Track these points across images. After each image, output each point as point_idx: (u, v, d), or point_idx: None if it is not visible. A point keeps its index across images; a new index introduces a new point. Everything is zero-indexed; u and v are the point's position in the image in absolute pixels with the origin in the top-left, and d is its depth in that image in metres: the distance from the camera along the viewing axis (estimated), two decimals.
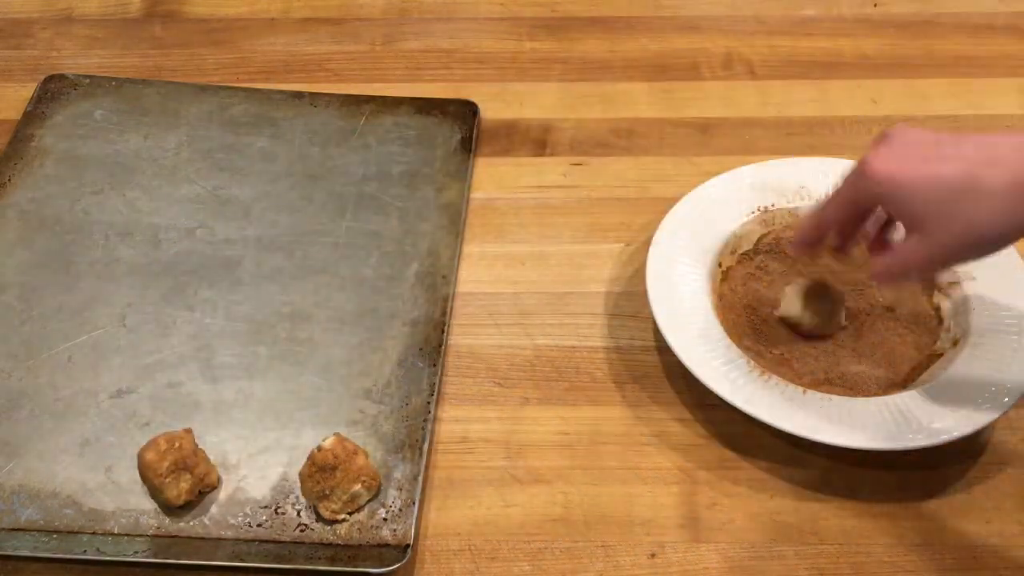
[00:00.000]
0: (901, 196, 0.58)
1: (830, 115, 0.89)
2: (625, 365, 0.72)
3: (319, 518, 0.63)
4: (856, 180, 0.60)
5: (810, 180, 0.78)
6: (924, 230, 0.58)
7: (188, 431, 0.64)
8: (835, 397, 0.66)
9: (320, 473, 0.62)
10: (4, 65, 0.95)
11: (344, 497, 0.62)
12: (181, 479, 0.63)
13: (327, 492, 0.62)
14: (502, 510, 0.65)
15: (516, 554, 0.63)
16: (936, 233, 0.57)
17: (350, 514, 0.63)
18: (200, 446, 0.65)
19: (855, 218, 0.64)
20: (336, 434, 0.63)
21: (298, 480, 0.64)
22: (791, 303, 0.71)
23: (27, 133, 0.86)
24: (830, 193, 0.63)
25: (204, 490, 0.64)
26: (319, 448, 0.62)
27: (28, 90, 0.90)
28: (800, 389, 0.66)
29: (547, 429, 0.69)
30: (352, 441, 0.64)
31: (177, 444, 0.63)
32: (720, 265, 0.74)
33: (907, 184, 0.58)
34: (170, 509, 0.64)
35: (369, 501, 0.64)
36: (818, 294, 0.71)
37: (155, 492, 0.63)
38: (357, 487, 0.63)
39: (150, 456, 0.62)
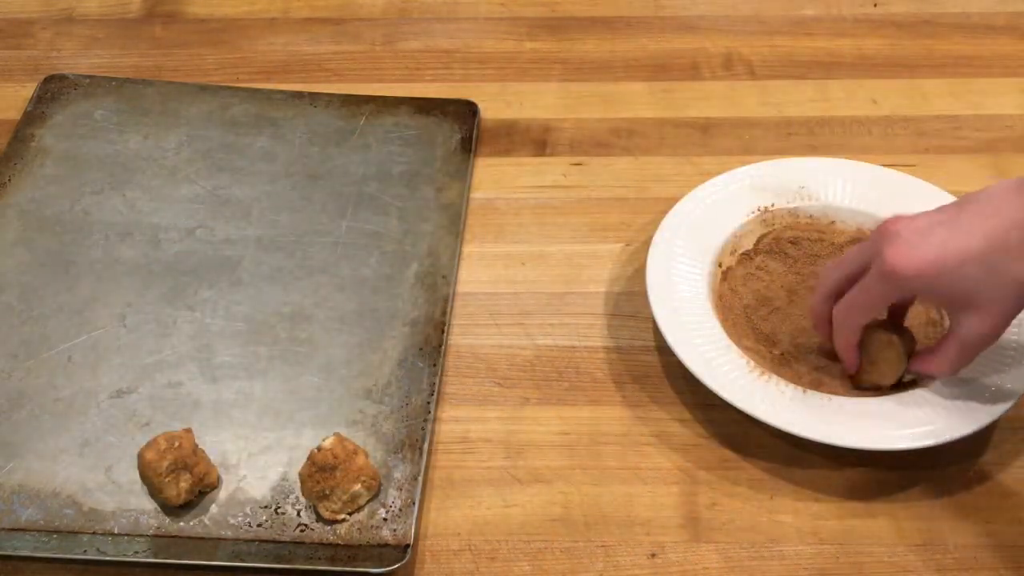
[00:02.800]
0: (943, 283, 0.58)
1: (830, 115, 0.89)
2: (625, 365, 0.72)
3: (319, 518, 0.63)
4: (884, 283, 0.60)
5: (810, 181, 0.78)
6: (978, 306, 0.59)
7: (188, 431, 0.64)
8: (835, 397, 0.66)
9: (320, 473, 0.62)
10: (4, 65, 0.95)
11: (344, 497, 0.62)
12: (181, 478, 0.63)
13: (327, 492, 0.62)
14: (502, 510, 0.65)
15: (516, 554, 0.63)
16: (995, 303, 0.58)
17: (350, 514, 0.63)
18: (200, 446, 0.65)
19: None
20: (336, 434, 0.63)
21: (298, 480, 0.64)
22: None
23: (27, 133, 0.86)
24: (850, 298, 0.63)
25: (204, 490, 0.64)
26: (319, 448, 0.62)
27: (28, 90, 0.90)
28: (800, 389, 0.66)
29: (547, 429, 0.69)
30: (352, 441, 0.64)
31: (177, 444, 0.63)
32: (720, 265, 0.74)
33: (945, 270, 0.58)
34: (170, 509, 0.64)
35: (369, 501, 0.64)
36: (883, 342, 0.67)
37: (155, 491, 0.63)
38: (357, 487, 0.63)
39: (150, 455, 0.62)
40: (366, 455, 0.64)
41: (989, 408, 0.64)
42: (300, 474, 0.63)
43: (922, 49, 0.95)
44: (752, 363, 0.68)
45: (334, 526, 0.63)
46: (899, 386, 0.67)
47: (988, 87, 0.92)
